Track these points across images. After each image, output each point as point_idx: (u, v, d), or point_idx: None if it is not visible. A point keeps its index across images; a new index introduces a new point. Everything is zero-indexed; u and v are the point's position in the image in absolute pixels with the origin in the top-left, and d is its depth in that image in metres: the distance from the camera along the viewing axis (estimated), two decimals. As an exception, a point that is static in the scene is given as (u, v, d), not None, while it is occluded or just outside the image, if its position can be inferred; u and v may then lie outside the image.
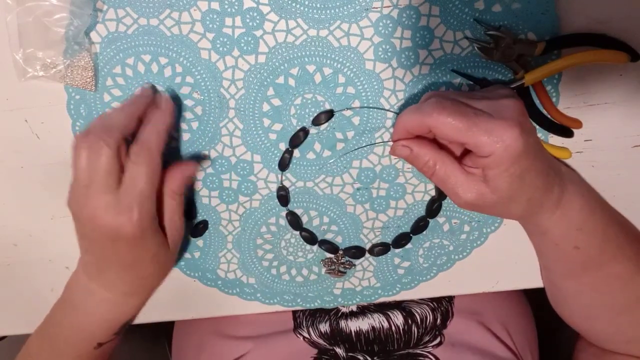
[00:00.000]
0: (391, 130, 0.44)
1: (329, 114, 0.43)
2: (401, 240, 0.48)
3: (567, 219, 0.41)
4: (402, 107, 0.43)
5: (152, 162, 0.38)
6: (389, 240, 0.48)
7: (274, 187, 0.46)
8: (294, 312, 0.55)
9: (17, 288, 0.51)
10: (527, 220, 0.43)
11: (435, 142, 0.40)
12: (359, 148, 0.44)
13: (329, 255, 0.49)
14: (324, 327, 0.54)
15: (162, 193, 0.41)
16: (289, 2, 0.40)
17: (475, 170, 0.38)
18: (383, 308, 0.55)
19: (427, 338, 0.53)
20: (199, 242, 0.48)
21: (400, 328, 0.53)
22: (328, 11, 0.40)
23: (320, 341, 0.53)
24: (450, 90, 0.42)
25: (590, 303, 0.45)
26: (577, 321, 0.48)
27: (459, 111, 0.35)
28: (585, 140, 0.45)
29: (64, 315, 0.46)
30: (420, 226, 0.47)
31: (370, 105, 0.43)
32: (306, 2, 0.40)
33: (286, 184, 0.46)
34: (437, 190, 0.46)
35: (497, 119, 0.35)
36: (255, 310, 0.51)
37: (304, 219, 0.47)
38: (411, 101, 0.43)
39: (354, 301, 0.51)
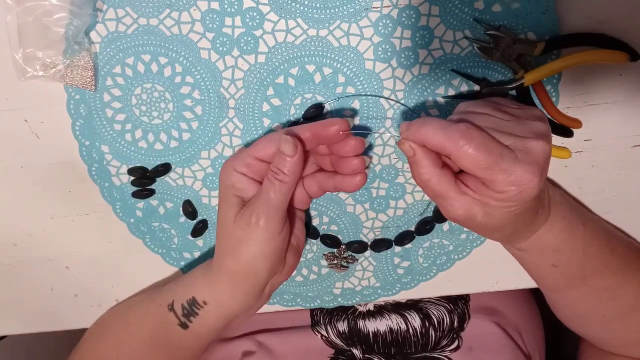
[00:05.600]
0: (391, 129, 0.44)
1: (319, 107, 0.42)
2: (404, 239, 0.48)
3: (542, 243, 0.41)
4: (402, 107, 0.43)
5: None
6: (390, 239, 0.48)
7: (274, 187, 0.46)
8: (312, 310, 0.55)
9: (17, 288, 0.51)
10: (504, 243, 0.44)
11: (440, 157, 0.38)
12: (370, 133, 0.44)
13: (331, 250, 0.49)
14: (343, 326, 0.54)
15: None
16: (289, 2, 0.40)
17: (471, 193, 0.36)
18: (400, 309, 0.55)
19: (445, 342, 0.53)
20: (199, 242, 0.48)
21: (418, 331, 0.53)
22: (328, 11, 0.40)
23: (338, 341, 0.53)
24: (483, 104, 0.38)
25: (582, 312, 0.46)
26: (572, 326, 0.49)
27: (486, 147, 0.33)
28: (585, 140, 0.45)
29: None
30: (426, 229, 0.47)
31: (364, 96, 0.43)
32: (306, 2, 0.40)
33: (286, 184, 0.46)
34: None
35: (521, 162, 0.34)
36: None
37: (304, 219, 0.47)
38: (411, 101, 0.43)
39: (354, 301, 0.51)
